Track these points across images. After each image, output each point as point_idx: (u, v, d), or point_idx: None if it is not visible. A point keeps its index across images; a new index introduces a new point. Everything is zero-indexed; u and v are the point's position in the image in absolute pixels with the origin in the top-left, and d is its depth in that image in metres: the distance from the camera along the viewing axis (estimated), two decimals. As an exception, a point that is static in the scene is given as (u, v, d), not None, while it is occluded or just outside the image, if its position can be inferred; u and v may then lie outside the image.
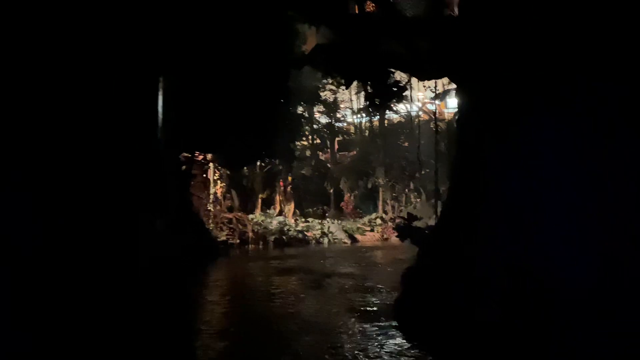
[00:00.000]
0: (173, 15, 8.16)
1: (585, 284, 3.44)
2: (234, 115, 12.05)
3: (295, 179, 25.90)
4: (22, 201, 4.51)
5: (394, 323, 6.91)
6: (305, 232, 21.18)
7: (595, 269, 3.42)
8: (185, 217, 13.25)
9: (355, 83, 15.59)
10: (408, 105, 26.05)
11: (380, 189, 26.01)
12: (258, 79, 11.74)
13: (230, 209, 21.10)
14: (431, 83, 15.49)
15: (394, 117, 27.97)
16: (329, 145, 29.34)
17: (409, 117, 27.09)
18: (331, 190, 26.98)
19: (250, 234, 19.46)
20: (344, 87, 26.07)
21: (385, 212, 25.60)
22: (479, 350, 4.49)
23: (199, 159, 17.74)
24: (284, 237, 20.20)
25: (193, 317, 7.78)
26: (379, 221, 24.33)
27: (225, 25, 10.76)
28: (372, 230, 23.58)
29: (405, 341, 6.06)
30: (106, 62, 5.52)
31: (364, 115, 28.79)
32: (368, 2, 7.56)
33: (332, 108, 27.91)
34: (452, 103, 26.36)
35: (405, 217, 12.71)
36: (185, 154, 14.78)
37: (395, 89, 8.41)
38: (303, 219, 23.16)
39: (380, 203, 26.00)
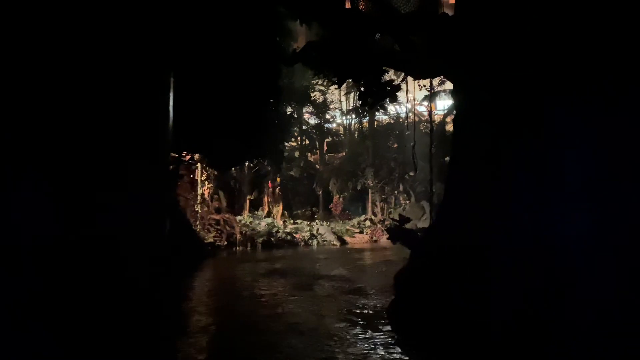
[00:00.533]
0: (159, 10, 7.95)
1: (602, 286, 3.32)
2: (222, 114, 11.80)
3: (284, 180, 25.70)
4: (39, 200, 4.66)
5: (388, 327, 6.75)
6: (294, 234, 20.97)
7: (613, 271, 3.29)
8: (172, 218, 12.93)
9: (345, 84, 15.48)
10: (397, 107, 26.03)
11: (370, 191, 25.92)
12: (247, 78, 11.51)
13: (218, 211, 20.83)
14: (426, 82, 15.38)
15: (384, 119, 27.94)
16: (318, 147, 29.21)
17: (398, 119, 27.06)
18: (320, 192, 26.82)
19: (238, 236, 19.19)
20: (334, 87, 26.01)
21: (374, 214, 25.52)
22: (483, 351, 4.36)
23: (186, 159, 17.44)
24: (272, 239, 19.97)
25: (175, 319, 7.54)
26: (368, 223, 24.23)
27: (214, 21, 10.52)
28: (361, 232, 23.47)
29: (399, 347, 5.89)
30: (110, 61, 5.59)
31: (353, 116, 28.71)
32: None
33: (321, 109, 27.78)
34: (441, 105, 26.43)
35: (397, 219, 12.58)
36: (172, 154, 14.46)
37: (388, 88, 8.27)
38: (292, 221, 22.96)
39: (369, 205, 25.92)
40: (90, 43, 5.28)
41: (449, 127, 23.63)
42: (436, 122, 21.91)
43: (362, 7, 7.62)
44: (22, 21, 4.59)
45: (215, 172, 20.98)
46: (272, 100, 13.91)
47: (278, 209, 24.19)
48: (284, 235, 20.53)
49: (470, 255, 4.94)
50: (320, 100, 27.59)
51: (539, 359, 3.99)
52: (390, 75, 11.76)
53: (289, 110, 22.78)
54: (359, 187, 26.18)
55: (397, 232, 10.28)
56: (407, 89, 11.07)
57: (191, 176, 19.18)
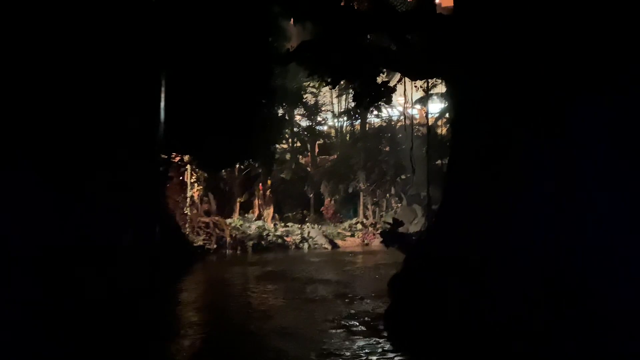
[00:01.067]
0: (150, 10, 7.76)
1: (628, 290, 3.18)
2: (213, 114, 11.55)
3: (275, 182, 25.42)
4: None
5: (384, 333, 6.55)
6: (285, 237, 20.70)
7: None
8: (160, 220, 12.62)
9: (337, 86, 15.26)
10: (389, 110, 25.93)
11: (361, 194, 25.75)
12: (240, 77, 11.28)
13: (208, 213, 20.49)
14: (422, 83, 15.22)
15: (375, 122, 27.81)
16: (309, 149, 28.98)
17: (389, 122, 26.96)
18: (311, 195, 26.58)
19: (228, 239, 18.87)
20: (329, 87, 25.77)
21: (365, 217, 25.35)
22: (489, 353, 4.21)
23: (176, 160, 17.13)
24: (263, 242, 19.68)
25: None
26: (359, 226, 24.04)
27: (206, 19, 10.30)
28: (352, 236, 23.27)
29: (397, 354, 5.69)
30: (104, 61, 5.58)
31: (345, 118, 28.57)
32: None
33: (313, 111, 27.58)
34: (432, 108, 26.36)
35: (390, 222, 12.44)
36: (162, 155, 14.14)
37: (383, 89, 8.10)
38: (282, 224, 22.68)
39: (360, 208, 25.74)
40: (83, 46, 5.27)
41: (440, 131, 23.58)
42: (427, 124, 21.81)
43: (356, 5, 7.45)
44: (18, 21, 4.65)
45: (205, 174, 20.65)
46: (264, 100, 13.70)
47: (269, 212, 23.89)
48: (274, 238, 20.25)
49: (471, 260, 4.79)
50: (312, 102, 27.39)
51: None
52: (385, 76, 11.61)
53: (280, 111, 22.57)
54: (350, 190, 25.98)
55: (392, 236, 10.17)
56: (404, 90, 10.94)
57: (180, 178, 18.85)
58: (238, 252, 18.84)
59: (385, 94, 7.96)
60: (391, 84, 8.70)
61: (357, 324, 7.30)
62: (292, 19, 9.03)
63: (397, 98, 25.11)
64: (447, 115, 21.89)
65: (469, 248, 4.89)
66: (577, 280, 3.93)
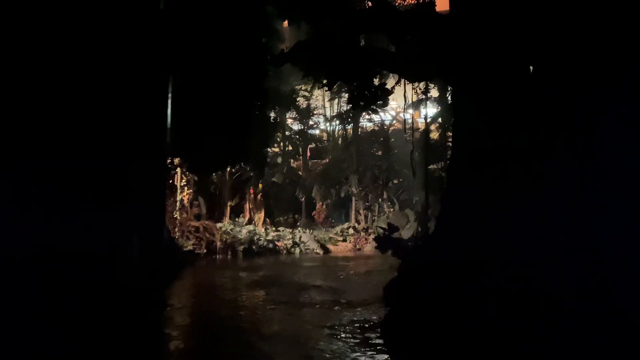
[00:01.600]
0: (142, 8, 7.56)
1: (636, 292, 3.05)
2: (205, 115, 11.31)
3: (266, 186, 25.17)
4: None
5: (380, 341, 6.34)
6: (276, 242, 20.44)
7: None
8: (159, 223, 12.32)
9: (329, 90, 15.13)
10: (382, 114, 25.83)
11: (353, 198, 25.59)
12: (232, 79, 11.07)
13: (198, 217, 20.20)
14: (420, 85, 15.12)
15: (368, 126, 27.71)
16: (301, 153, 28.80)
17: (382, 126, 26.87)
18: (303, 199, 26.36)
19: (218, 244, 18.57)
20: (320, 91, 25.67)
21: (357, 221, 25.18)
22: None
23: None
24: (254, 247, 19.40)
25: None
26: (351, 231, 23.87)
27: (198, 19, 10.10)
28: (344, 240, 23.09)
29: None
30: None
31: (337, 122, 28.46)
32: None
33: (305, 114, 27.43)
34: (424, 113, 26.34)
35: (384, 227, 12.28)
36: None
37: (380, 91, 7.95)
38: (274, 228, 22.42)
39: (352, 212, 25.57)
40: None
41: (433, 135, 23.52)
42: (420, 129, 21.78)
43: (356, 6, 7.31)
44: (22, 22, 4.64)
45: (195, 178, 20.35)
46: (257, 102, 13.49)
47: (260, 216, 23.63)
48: (265, 243, 20.00)
49: (473, 263, 4.64)
50: (304, 106, 27.24)
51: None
52: (381, 78, 11.47)
53: (272, 114, 22.36)
54: (342, 194, 25.81)
55: (387, 241, 9.97)
56: (404, 92, 10.81)
57: (170, 181, 18.54)
58: (229, 256, 18.56)
59: (382, 97, 7.82)
60: (388, 86, 8.56)
61: (351, 331, 7.09)
62: (286, 20, 8.84)
63: (390, 103, 25.08)
64: (439, 120, 21.85)
65: (470, 251, 4.75)
66: (580, 283, 3.84)
